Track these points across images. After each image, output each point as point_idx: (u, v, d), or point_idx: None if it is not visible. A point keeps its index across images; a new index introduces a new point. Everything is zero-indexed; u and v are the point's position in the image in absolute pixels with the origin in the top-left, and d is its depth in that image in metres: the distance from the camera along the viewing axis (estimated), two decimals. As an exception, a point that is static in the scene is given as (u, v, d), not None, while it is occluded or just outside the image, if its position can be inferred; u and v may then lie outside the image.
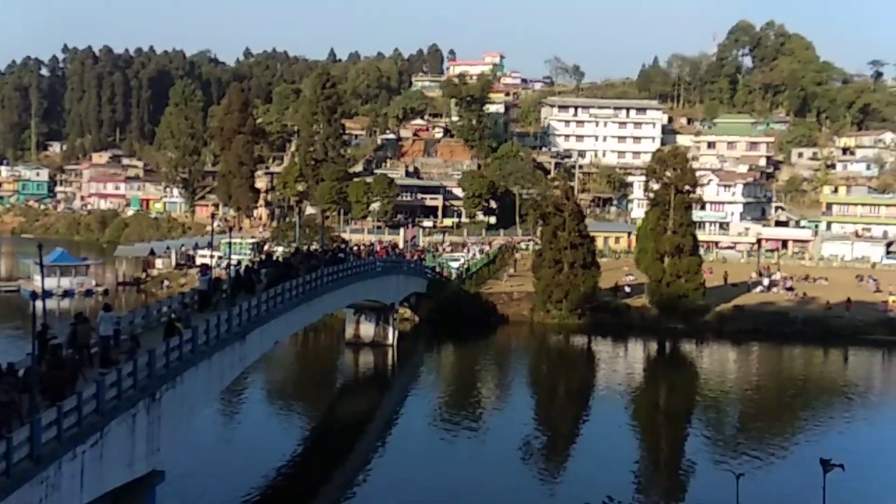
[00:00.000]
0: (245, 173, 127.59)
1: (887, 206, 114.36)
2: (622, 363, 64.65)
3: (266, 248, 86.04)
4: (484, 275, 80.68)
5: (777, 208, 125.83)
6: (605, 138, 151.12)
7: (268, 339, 37.75)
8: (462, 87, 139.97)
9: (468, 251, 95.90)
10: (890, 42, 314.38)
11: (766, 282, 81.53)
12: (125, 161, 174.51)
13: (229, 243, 58.76)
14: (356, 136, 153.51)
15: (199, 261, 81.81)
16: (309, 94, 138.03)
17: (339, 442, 41.61)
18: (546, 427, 46.34)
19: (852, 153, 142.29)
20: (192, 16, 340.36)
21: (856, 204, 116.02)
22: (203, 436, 37.91)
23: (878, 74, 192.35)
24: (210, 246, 77.48)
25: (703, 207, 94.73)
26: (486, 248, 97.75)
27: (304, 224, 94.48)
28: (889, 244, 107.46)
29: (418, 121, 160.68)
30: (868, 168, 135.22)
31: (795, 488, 33.63)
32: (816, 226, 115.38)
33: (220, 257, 75.83)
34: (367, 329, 62.30)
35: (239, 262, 49.30)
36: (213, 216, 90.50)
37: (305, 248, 62.25)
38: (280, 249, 77.76)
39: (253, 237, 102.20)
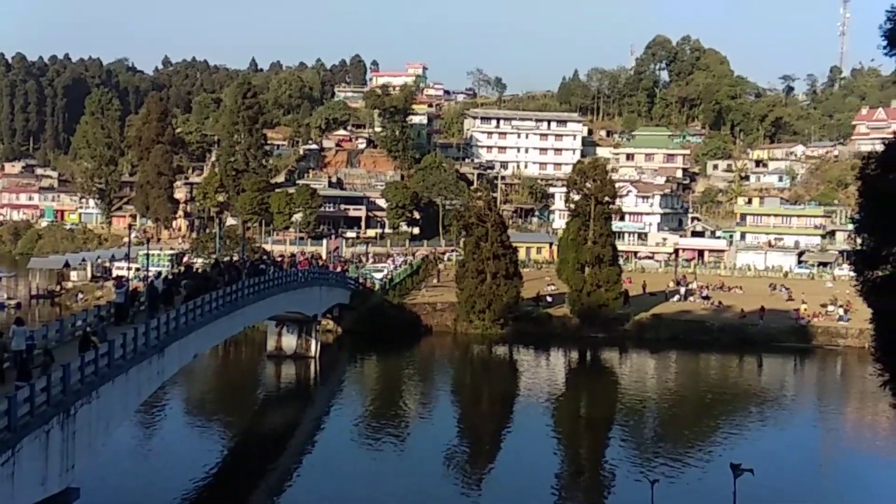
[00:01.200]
0: (164, 183, 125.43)
1: (799, 216, 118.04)
2: (544, 372, 65.35)
3: (185, 259, 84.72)
4: (407, 286, 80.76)
5: (693, 219, 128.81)
6: (526, 150, 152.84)
7: (187, 352, 37.18)
8: (385, 98, 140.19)
9: (392, 262, 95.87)
10: (800, 57, 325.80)
11: (683, 291, 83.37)
12: (39, 171, 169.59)
13: (147, 255, 57.75)
14: (278, 146, 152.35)
15: (115, 273, 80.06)
16: (230, 104, 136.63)
17: (260, 456, 41.15)
18: (469, 436, 46.54)
19: (765, 165, 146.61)
20: (109, 23, 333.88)
21: (769, 215, 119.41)
22: (120, 451, 37.12)
23: (790, 89, 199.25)
24: (127, 258, 76.04)
25: (622, 218, 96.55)
26: (410, 258, 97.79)
27: (225, 235, 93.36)
28: (800, 254, 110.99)
29: (341, 131, 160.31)
30: (780, 180, 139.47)
31: (708, 493, 34.55)
32: (731, 236, 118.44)
33: (137, 269, 74.36)
34: (290, 341, 61.77)
35: (159, 274, 48.40)
36: (130, 227, 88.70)
37: (226, 259, 61.49)
38: (200, 261, 76.65)
39: (172, 249, 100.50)
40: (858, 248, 15.84)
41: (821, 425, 52.29)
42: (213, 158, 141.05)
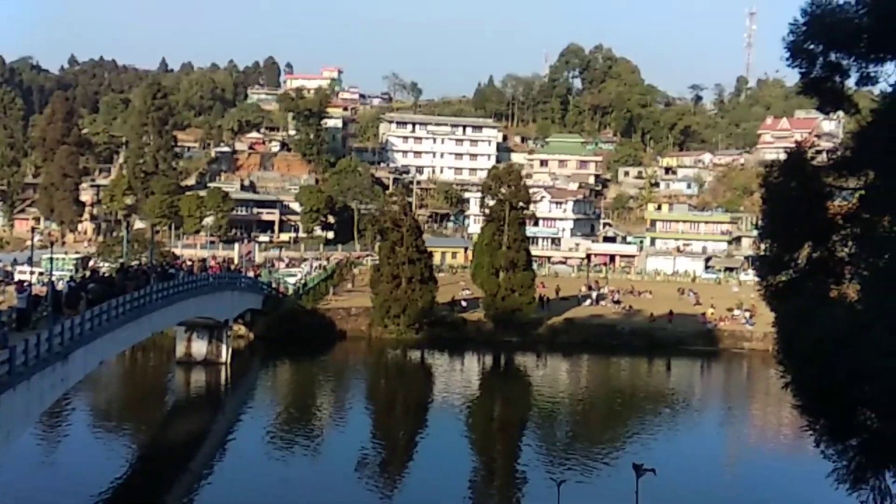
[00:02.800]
0: (69, 186, 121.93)
1: (706, 222, 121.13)
2: (459, 376, 65.56)
3: (91, 263, 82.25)
4: (321, 290, 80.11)
5: (605, 224, 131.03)
6: (442, 155, 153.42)
7: (92, 358, 36.07)
8: (300, 101, 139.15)
9: (305, 266, 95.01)
10: (708, 68, 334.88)
11: (595, 295, 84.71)
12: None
13: (51, 259, 55.83)
14: (189, 148, 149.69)
15: (17, 277, 77.26)
16: (139, 105, 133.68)
17: (168, 465, 40.20)
18: (383, 442, 46.34)
19: (674, 172, 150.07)
20: (12, 20, 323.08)
21: (677, 221, 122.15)
22: (22, 461, 35.78)
23: (698, 98, 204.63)
24: (30, 262, 73.43)
25: (536, 223, 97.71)
26: (324, 263, 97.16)
27: (133, 239, 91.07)
28: (708, 259, 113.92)
29: (254, 134, 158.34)
30: (689, 187, 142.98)
31: (612, 493, 35.13)
32: (641, 241, 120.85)
33: (40, 274, 71.98)
34: (200, 347, 60.60)
35: (71, 279, 46.89)
36: (33, 230, 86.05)
37: (134, 264, 59.99)
38: (106, 265, 74.56)
39: (77, 252, 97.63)
40: (762, 253, 16.25)
41: (727, 426, 53.70)
42: (121, 160, 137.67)
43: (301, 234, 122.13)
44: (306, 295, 77.28)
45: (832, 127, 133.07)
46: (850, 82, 14.54)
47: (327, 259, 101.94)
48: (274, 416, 50.99)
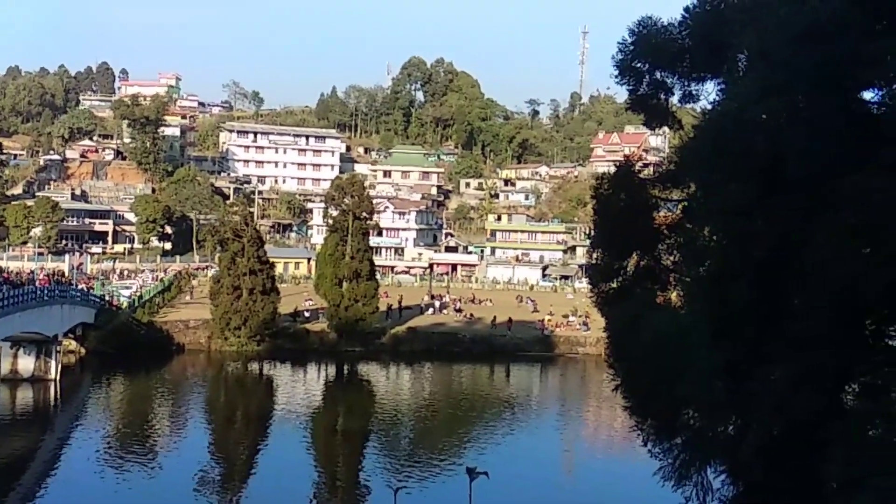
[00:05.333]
0: None
1: (543, 233, 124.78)
2: (301, 388, 64.84)
3: None
4: (158, 303, 77.54)
5: (447, 235, 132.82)
6: (285, 165, 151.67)
7: None
8: (135, 108, 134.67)
9: (141, 278, 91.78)
10: (545, 83, 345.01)
11: (437, 304, 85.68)
12: None
13: None
14: (15, 155, 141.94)
15: None
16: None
17: (-9, 488, 37.84)
18: (223, 456, 45.23)
19: (513, 184, 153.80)
20: None
21: (516, 231, 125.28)
22: None
23: (535, 113, 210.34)
24: None
25: (379, 234, 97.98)
26: (161, 275, 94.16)
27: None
28: (545, 268, 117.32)
29: (87, 141, 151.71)
30: (527, 198, 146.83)
31: (448, 497, 35.79)
32: (482, 251, 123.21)
33: None
34: (27, 363, 57.42)
35: None
36: None
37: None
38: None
39: None
40: (594, 262, 16.88)
41: (562, 429, 55.38)
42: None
43: (137, 245, 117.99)
44: (142, 308, 74.56)
45: (659, 142, 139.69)
46: (675, 100, 15.33)
47: (164, 271, 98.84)
48: (107, 433, 48.82)
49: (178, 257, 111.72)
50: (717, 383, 11.07)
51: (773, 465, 10.62)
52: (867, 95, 10.53)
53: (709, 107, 14.06)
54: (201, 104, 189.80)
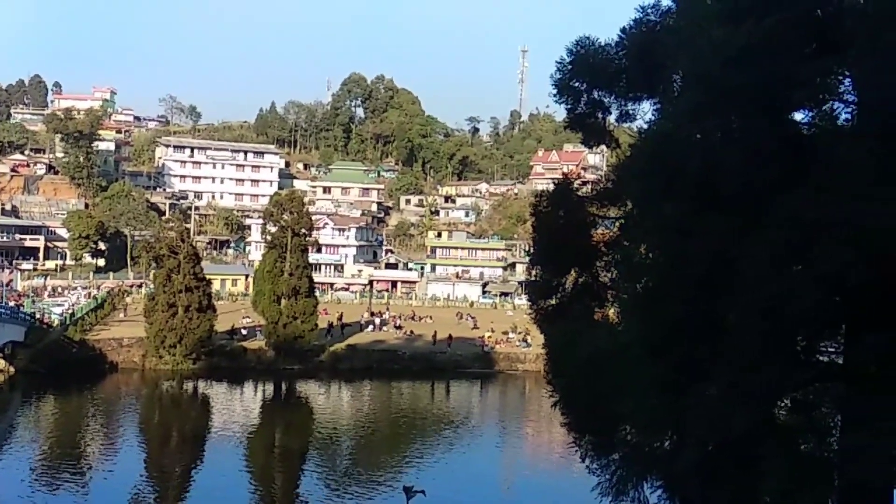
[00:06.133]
0: None
1: (483, 249, 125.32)
2: (238, 406, 63.94)
3: None
4: (91, 320, 75.88)
5: (387, 251, 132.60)
6: (222, 180, 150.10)
7: None
8: (68, 122, 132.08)
9: (74, 295, 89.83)
10: (485, 101, 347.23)
11: (377, 321, 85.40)
12: None
13: None
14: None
15: None
16: None
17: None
18: (157, 476, 44.30)
19: (453, 201, 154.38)
20: None
21: (456, 248, 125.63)
22: None
23: (475, 130, 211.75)
24: None
25: (319, 250, 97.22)
26: (94, 291, 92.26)
27: None
28: (485, 284, 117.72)
29: (18, 156, 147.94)
30: (467, 215, 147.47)
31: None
32: (422, 268, 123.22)
33: None
34: (-48, 383, 55.71)
35: None
36: None
37: None
38: None
39: None
40: (533, 279, 16.94)
41: (501, 445, 55.49)
42: None
43: (69, 262, 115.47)
44: (74, 325, 72.87)
45: (597, 160, 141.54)
46: (612, 118, 15.51)
47: (98, 287, 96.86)
48: (37, 454, 47.48)
49: (111, 274, 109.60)
50: (653, 399, 11.18)
51: (708, 479, 10.74)
52: (798, 116, 10.78)
53: (645, 126, 14.24)
54: (137, 118, 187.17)
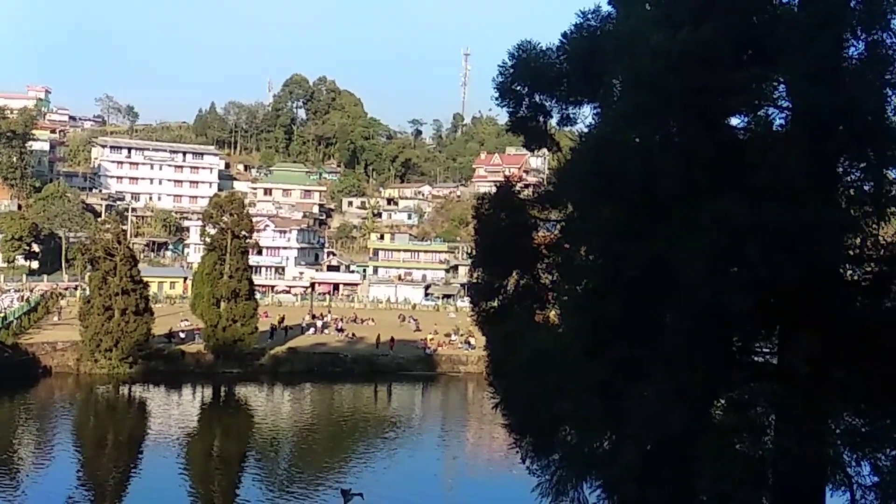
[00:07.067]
0: None
1: (426, 252, 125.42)
2: (176, 411, 63.04)
3: None
4: (24, 324, 74.14)
5: (329, 254, 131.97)
6: (160, 181, 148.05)
7: None
8: (1, 122, 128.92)
9: (5, 299, 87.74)
10: (428, 103, 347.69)
11: (319, 324, 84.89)
12: None
13: None
14: None
15: None
16: None
17: None
18: (93, 483, 43.49)
19: (396, 203, 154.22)
20: None
21: (399, 250, 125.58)
22: None
23: (418, 132, 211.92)
24: None
25: (259, 252, 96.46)
26: (27, 294, 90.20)
27: None
28: (427, 287, 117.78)
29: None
30: (409, 217, 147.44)
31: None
32: (365, 270, 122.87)
33: None
34: None
35: None
36: None
37: None
38: None
39: None
40: (475, 281, 16.96)
41: (443, 447, 55.57)
42: None
43: (1, 264, 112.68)
44: (6, 329, 71.07)
45: (539, 163, 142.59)
46: (553, 122, 15.62)
47: (31, 290, 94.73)
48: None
49: (45, 277, 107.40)
50: (592, 400, 11.29)
51: (646, 479, 10.88)
52: (734, 122, 10.99)
53: (585, 130, 14.36)
54: (72, 118, 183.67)
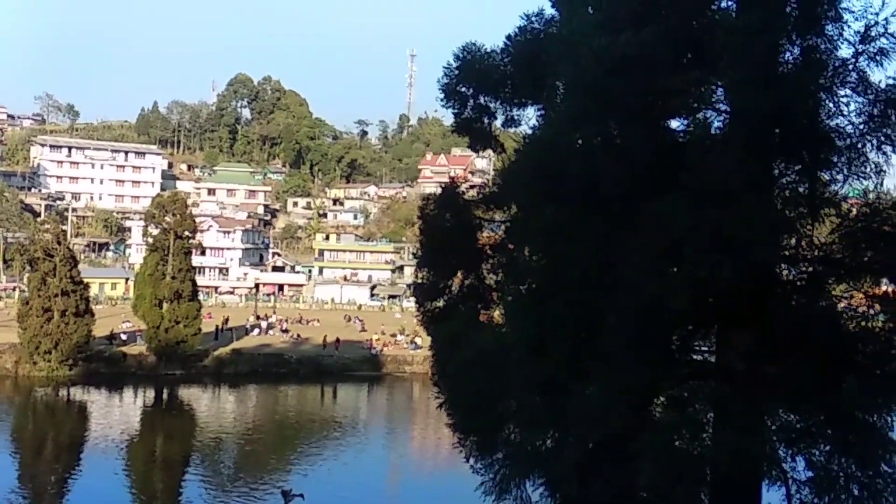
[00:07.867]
0: None
1: (372, 252, 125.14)
2: (117, 413, 62.10)
3: None
4: (-41, 326, 72.44)
5: (274, 254, 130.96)
6: (101, 181, 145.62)
7: None
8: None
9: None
10: (373, 104, 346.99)
11: (263, 325, 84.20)
12: None
13: None
14: None
15: None
16: None
17: None
18: (30, 487, 42.60)
19: (342, 204, 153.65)
20: None
21: (345, 251, 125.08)
22: None
23: (364, 133, 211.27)
24: None
25: (203, 253, 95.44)
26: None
27: None
28: (373, 287, 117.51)
29: None
30: (355, 217, 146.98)
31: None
32: (310, 271, 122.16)
33: None
34: None
35: None
36: None
37: None
38: None
39: None
40: (420, 281, 16.98)
41: (389, 447, 55.56)
42: None
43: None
44: (-60, 331, 69.47)
45: (484, 164, 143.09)
46: (498, 123, 15.71)
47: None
48: None
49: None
50: (535, 398, 11.39)
51: (588, 477, 11.00)
52: (674, 124, 11.17)
53: (529, 131, 14.47)
54: (10, 116, 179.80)
